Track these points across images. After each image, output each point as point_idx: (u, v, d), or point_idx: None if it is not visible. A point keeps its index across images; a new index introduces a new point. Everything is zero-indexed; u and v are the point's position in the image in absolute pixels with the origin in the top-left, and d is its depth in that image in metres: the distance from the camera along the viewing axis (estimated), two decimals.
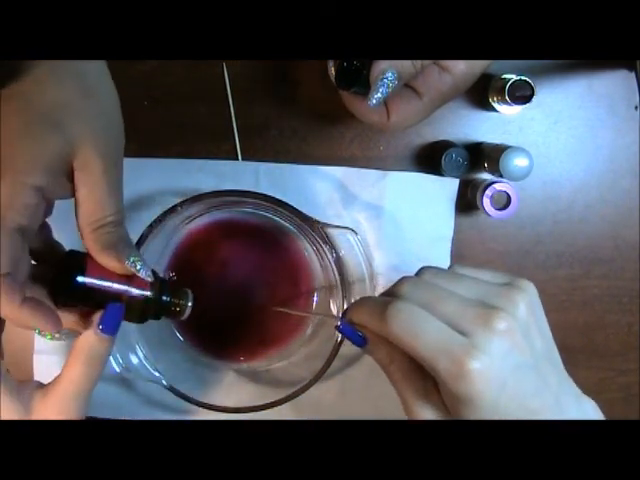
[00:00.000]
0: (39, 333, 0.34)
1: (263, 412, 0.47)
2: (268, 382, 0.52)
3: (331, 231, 0.47)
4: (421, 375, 0.33)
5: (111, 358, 0.40)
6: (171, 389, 0.47)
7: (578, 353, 0.55)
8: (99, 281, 0.35)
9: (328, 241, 0.47)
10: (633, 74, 0.52)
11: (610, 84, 0.53)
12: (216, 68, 0.52)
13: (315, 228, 0.46)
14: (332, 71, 0.46)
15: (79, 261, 0.35)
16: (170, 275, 0.42)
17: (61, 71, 0.34)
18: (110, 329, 0.35)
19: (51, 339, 0.34)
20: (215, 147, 0.53)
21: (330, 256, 0.47)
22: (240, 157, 0.53)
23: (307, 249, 0.52)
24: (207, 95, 0.53)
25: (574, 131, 0.54)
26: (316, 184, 0.53)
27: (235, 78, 0.53)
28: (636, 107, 0.53)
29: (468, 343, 0.30)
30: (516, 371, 0.31)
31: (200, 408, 0.47)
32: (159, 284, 0.38)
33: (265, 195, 0.46)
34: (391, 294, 0.34)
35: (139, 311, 0.37)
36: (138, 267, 0.36)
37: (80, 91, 0.34)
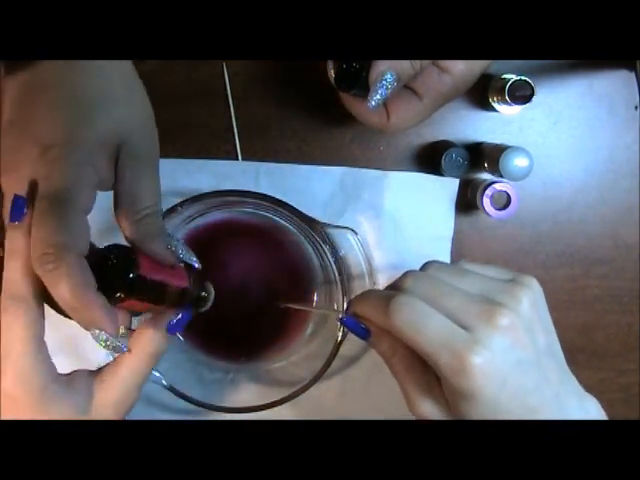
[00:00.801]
0: (95, 337, 0.33)
1: (263, 412, 0.47)
2: (268, 382, 0.52)
3: (331, 231, 0.47)
4: (423, 368, 0.33)
5: (111, 358, 0.40)
6: (171, 389, 0.47)
7: (578, 353, 0.55)
8: (152, 274, 0.34)
9: (328, 241, 0.47)
10: (633, 74, 0.52)
11: (610, 84, 0.53)
12: (216, 68, 0.52)
13: (315, 228, 0.46)
14: (332, 73, 0.47)
15: (127, 255, 0.34)
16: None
17: (105, 64, 0.35)
18: (177, 330, 0.37)
19: (105, 346, 0.33)
20: (215, 147, 0.53)
21: (330, 256, 0.47)
22: (240, 157, 0.53)
23: (307, 249, 0.52)
24: (207, 95, 0.53)
25: (574, 131, 0.54)
26: (316, 184, 0.53)
27: (235, 78, 0.53)
28: (636, 107, 0.53)
29: (470, 338, 0.31)
30: (517, 367, 0.31)
31: (200, 408, 0.47)
32: (194, 275, 0.38)
33: (265, 195, 0.46)
34: (395, 288, 0.35)
35: (177, 302, 0.37)
36: (183, 253, 0.36)
37: (124, 84, 0.35)
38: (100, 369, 0.36)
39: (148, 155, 0.35)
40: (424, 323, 0.31)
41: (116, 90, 0.35)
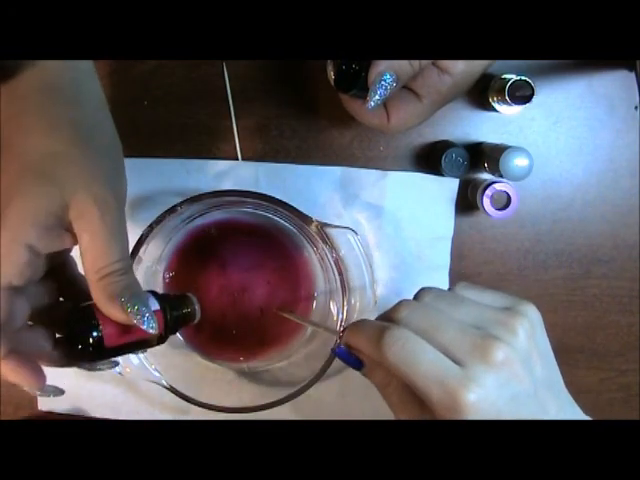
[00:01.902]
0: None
1: (263, 412, 0.47)
2: (268, 382, 0.52)
3: (331, 231, 0.47)
4: (417, 400, 0.32)
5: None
6: (171, 389, 0.47)
7: (578, 353, 0.55)
8: (116, 339, 0.33)
9: (328, 241, 0.47)
10: (633, 74, 0.52)
11: (610, 84, 0.53)
12: (216, 68, 0.52)
13: (315, 228, 0.46)
14: (331, 74, 0.46)
15: (88, 316, 0.33)
16: (169, 275, 0.42)
17: (50, 120, 0.33)
18: None
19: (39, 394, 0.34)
20: (215, 147, 0.53)
21: (330, 256, 0.47)
22: (240, 157, 0.53)
23: (307, 249, 0.52)
24: (207, 95, 0.53)
25: (574, 131, 0.54)
26: (316, 184, 0.53)
27: (235, 78, 0.53)
28: (636, 107, 0.53)
29: (463, 375, 0.30)
30: (512, 401, 0.31)
31: (200, 408, 0.47)
32: (166, 305, 0.36)
33: (265, 195, 0.46)
34: (389, 318, 0.34)
35: (157, 339, 0.36)
36: (143, 319, 0.33)
37: (70, 139, 0.33)
38: None
39: (100, 212, 0.33)
40: (417, 358, 0.31)
41: (60, 151, 0.33)
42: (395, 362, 0.31)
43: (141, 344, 0.36)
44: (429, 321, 0.32)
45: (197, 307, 0.39)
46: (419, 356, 0.31)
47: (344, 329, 0.36)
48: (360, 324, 0.35)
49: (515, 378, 0.31)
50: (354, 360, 0.35)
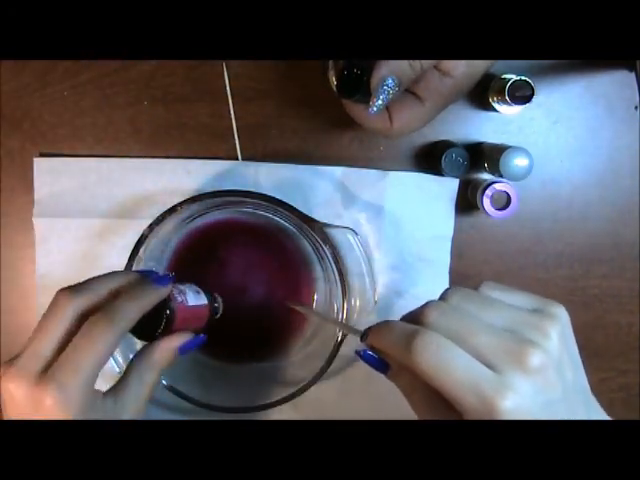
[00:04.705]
0: None
1: (263, 412, 0.47)
2: (268, 382, 0.52)
3: (331, 231, 0.47)
4: (445, 405, 0.31)
5: (111, 358, 0.40)
6: (171, 389, 0.47)
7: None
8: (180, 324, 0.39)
9: (328, 241, 0.47)
10: (633, 74, 0.52)
11: (610, 84, 0.53)
12: (216, 68, 0.52)
13: (315, 228, 0.46)
14: (333, 80, 0.46)
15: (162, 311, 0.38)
16: (171, 275, 0.42)
17: None
18: (189, 350, 0.40)
19: None
20: (215, 147, 0.53)
21: (330, 256, 0.47)
22: (240, 157, 0.53)
23: (307, 249, 0.52)
24: (207, 95, 0.53)
25: (574, 131, 0.54)
26: (316, 184, 0.53)
27: (235, 78, 0.53)
28: (636, 107, 0.53)
29: (499, 381, 0.29)
30: (546, 408, 0.30)
31: (200, 408, 0.47)
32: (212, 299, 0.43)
33: (265, 195, 0.46)
34: (416, 321, 0.32)
35: (205, 326, 0.42)
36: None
37: None
38: (115, 388, 0.38)
39: None
40: (450, 364, 0.30)
41: None
42: (427, 368, 0.30)
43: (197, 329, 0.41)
44: (460, 324, 0.31)
45: (221, 306, 0.44)
46: (452, 362, 0.30)
47: (366, 330, 0.35)
48: (386, 326, 0.33)
49: (549, 384, 0.30)
50: (382, 364, 0.34)
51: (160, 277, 0.39)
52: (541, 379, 0.30)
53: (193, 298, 0.40)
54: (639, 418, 0.55)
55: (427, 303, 0.33)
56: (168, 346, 0.39)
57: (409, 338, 0.31)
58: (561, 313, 0.32)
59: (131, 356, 0.44)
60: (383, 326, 0.33)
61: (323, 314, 0.51)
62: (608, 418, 0.33)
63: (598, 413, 0.33)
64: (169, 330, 0.38)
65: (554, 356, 0.30)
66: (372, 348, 0.34)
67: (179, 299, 0.39)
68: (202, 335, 0.41)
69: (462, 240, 0.54)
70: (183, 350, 0.39)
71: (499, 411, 0.29)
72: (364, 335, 0.35)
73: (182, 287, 0.40)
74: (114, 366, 0.45)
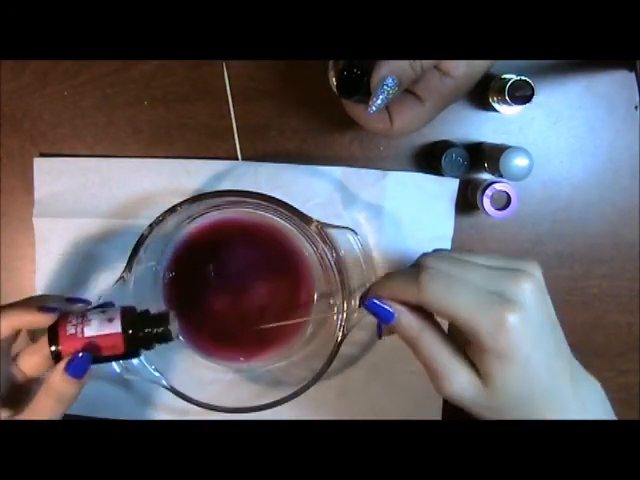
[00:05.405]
0: None
1: (263, 412, 0.47)
2: (268, 382, 0.52)
3: (331, 231, 0.47)
4: (450, 348, 0.34)
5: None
6: (171, 389, 0.47)
7: (578, 353, 0.55)
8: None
9: (328, 241, 0.47)
10: (633, 74, 0.52)
11: (610, 84, 0.53)
12: (216, 68, 0.52)
13: (315, 228, 0.46)
14: (333, 80, 0.46)
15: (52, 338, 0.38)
16: (169, 275, 0.42)
17: None
18: (77, 374, 0.38)
19: None
20: (215, 147, 0.53)
21: (330, 256, 0.47)
22: (240, 157, 0.53)
23: (307, 249, 0.52)
24: (207, 95, 0.53)
25: (574, 131, 0.54)
26: (316, 184, 0.53)
27: (235, 78, 0.53)
28: (636, 107, 0.53)
29: (504, 299, 0.32)
30: (543, 327, 0.33)
31: (200, 408, 0.47)
32: (134, 325, 0.39)
33: (265, 195, 0.46)
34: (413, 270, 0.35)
35: (125, 354, 0.40)
36: None
37: None
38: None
39: None
40: (457, 292, 0.33)
41: None
42: (436, 299, 0.33)
43: (111, 358, 0.40)
44: (456, 265, 0.34)
45: (174, 326, 0.40)
46: (459, 290, 0.33)
47: (368, 289, 0.37)
48: (389, 275, 0.37)
49: (543, 305, 0.34)
50: (387, 311, 0.35)
51: (48, 308, 0.39)
52: (536, 297, 0.33)
53: (95, 328, 0.39)
54: (639, 418, 0.55)
55: (421, 255, 0.36)
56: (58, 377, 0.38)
57: (414, 277, 0.34)
58: (533, 267, 0.35)
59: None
60: (385, 276, 0.37)
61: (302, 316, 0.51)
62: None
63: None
64: (60, 358, 0.38)
65: (540, 284, 0.34)
66: (378, 299, 0.36)
67: (71, 330, 0.38)
68: (85, 355, 0.38)
69: (462, 240, 0.54)
70: (73, 370, 0.38)
71: (509, 324, 0.32)
72: (366, 292, 0.37)
73: (90, 317, 0.39)
74: (115, 366, 0.45)
